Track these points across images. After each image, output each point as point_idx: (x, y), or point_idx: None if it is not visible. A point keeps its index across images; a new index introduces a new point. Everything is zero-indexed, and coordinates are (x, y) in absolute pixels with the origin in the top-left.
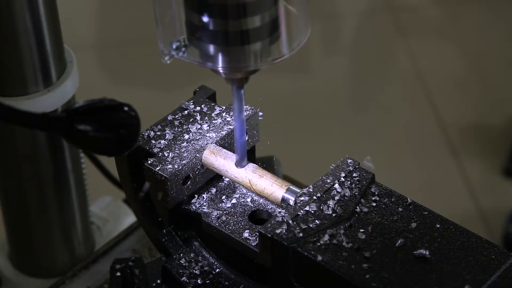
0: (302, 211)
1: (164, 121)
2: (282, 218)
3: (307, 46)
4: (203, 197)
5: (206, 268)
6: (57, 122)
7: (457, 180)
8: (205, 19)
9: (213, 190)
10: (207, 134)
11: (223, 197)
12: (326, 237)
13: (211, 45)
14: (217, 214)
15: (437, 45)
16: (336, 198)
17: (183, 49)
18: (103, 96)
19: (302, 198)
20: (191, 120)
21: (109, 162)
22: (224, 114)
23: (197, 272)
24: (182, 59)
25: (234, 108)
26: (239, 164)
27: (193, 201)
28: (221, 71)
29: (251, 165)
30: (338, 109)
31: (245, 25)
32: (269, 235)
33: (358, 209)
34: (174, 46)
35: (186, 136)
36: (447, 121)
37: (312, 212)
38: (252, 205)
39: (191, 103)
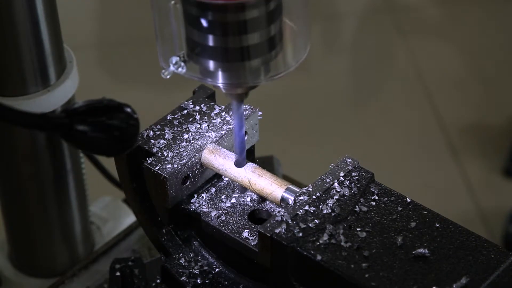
0: (301, 211)
1: (163, 121)
2: (281, 218)
3: None
4: (203, 196)
5: (205, 268)
6: (56, 123)
7: (457, 180)
8: (205, 35)
9: (213, 190)
10: (207, 134)
11: (223, 196)
12: (326, 237)
13: (211, 61)
14: (217, 213)
15: (437, 45)
16: (336, 197)
17: (182, 64)
18: (103, 96)
19: (301, 198)
20: (190, 119)
21: (109, 162)
22: (223, 113)
23: (196, 271)
24: (181, 74)
25: (235, 123)
26: (238, 163)
27: (193, 200)
28: (221, 86)
29: (251, 165)
30: (338, 108)
31: (245, 42)
32: (268, 235)
33: (357, 209)
34: (173, 61)
35: (186, 136)
36: (447, 121)
37: (312, 211)
38: (251, 204)
39: (191, 103)
